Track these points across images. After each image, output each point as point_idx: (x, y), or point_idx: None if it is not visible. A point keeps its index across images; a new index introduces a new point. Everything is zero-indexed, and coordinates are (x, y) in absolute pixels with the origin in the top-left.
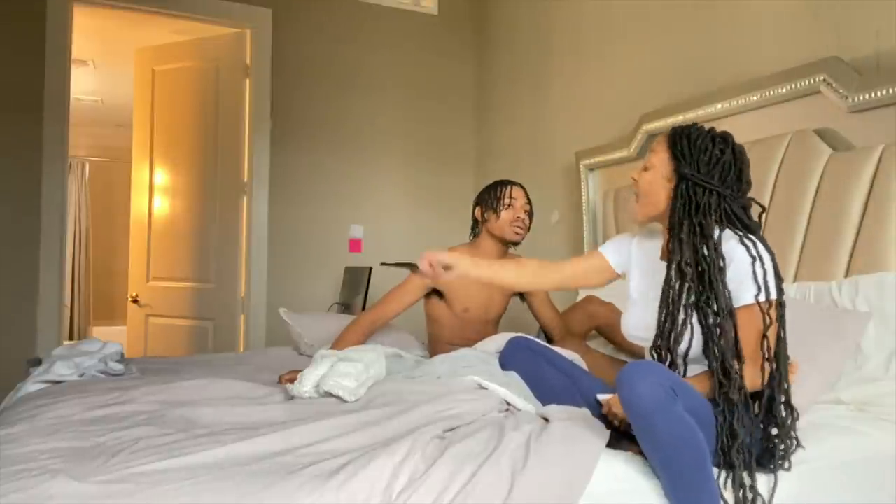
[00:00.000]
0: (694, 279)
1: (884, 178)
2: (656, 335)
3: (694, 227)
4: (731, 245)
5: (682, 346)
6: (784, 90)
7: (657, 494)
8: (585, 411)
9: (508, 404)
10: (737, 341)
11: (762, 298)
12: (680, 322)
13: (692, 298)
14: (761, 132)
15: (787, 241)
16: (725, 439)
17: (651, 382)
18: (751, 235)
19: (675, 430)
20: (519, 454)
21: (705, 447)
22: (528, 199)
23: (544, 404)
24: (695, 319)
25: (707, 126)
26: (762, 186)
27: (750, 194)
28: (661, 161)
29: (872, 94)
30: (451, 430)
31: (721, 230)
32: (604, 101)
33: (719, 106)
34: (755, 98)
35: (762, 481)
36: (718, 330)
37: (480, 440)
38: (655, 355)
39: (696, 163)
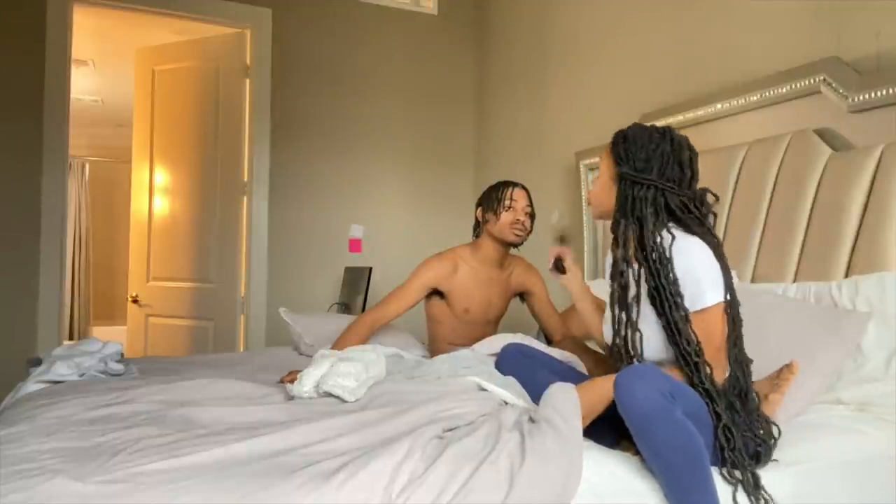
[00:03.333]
0: (637, 275)
1: (884, 178)
2: (612, 335)
3: (630, 224)
4: (680, 249)
5: (646, 343)
6: (784, 90)
7: (654, 495)
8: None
9: (508, 405)
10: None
11: (716, 300)
12: (635, 319)
13: (634, 295)
14: (761, 132)
15: (787, 241)
16: (724, 440)
17: (649, 387)
18: (691, 233)
19: (674, 437)
20: (516, 453)
21: (703, 452)
22: (530, 200)
23: None
24: (652, 318)
25: (650, 123)
26: (762, 186)
27: (751, 194)
28: (606, 167)
29: (872, 94)
30: (450, 430)
31: (663, 226)
32: (604, 101)
33: (719, 106)
34: (755, 98)
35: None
36: (676, 329)
37: (479, 439)
38: (617, 355)
39: (633, 160)
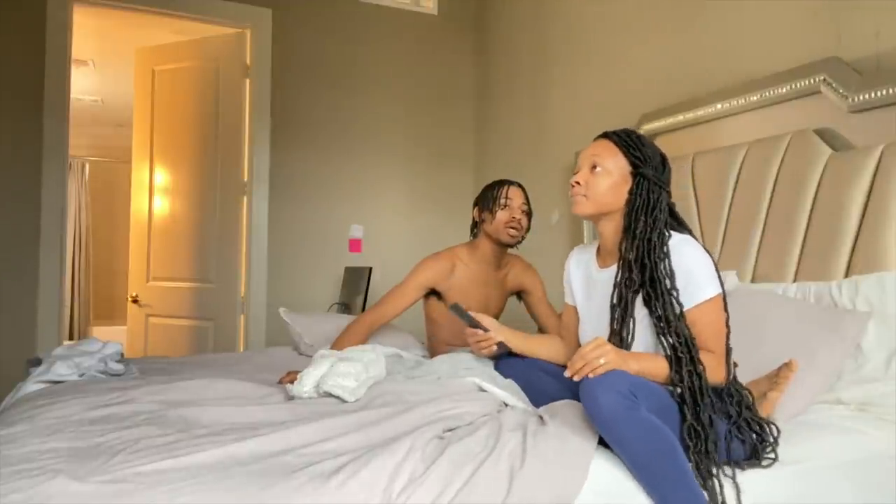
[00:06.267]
0: (645, 274)
1: (884, 178)
2: (610, 332)
3: (647, 225)
4: (679, 245)
5: (635, 342)
6: (784, 90)
7: None
8: (578, 405)
9: (507, 406)
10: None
11: (716, 292)
12: (633, 318)
13: (642, 293)
14: (761, 132)
15: (787, 241)
16: (689, 437)
17: (608, 390)
18: (688, 234)
19: (640, 435)
20: (517, 453)
21: (675, 446)
22: (527, 199)
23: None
24: (640, 316)
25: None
26: (762, 186)
27: (751, 194)
28: (616, 165)
29: (872, 94)
30: (450, 430)
31: (665, 227)
32: (604, 101)
33: (719, 106)
34: (755, 98)
35: (755, 477)
36: (669, 326)
37: (479, 440)
38: None
39: (653, 164)
